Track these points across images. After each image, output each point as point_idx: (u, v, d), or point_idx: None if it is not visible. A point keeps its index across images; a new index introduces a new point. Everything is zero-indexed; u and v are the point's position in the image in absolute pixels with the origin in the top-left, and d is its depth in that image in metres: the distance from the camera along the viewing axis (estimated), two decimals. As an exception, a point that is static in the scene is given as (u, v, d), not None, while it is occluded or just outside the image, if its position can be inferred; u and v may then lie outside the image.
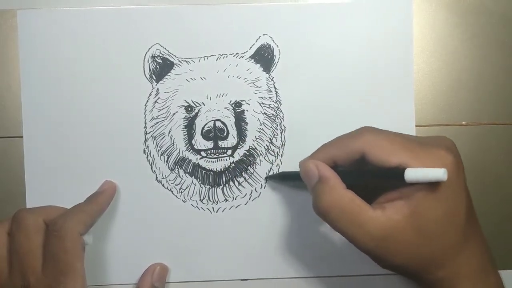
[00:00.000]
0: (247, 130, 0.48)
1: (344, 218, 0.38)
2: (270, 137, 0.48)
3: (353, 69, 0.48)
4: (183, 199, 0.48)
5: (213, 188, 0.48)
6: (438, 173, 0.35)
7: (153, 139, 0.48)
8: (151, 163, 0.48)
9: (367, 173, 0.39)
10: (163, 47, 0.47)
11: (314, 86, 0.48)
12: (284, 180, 0.47)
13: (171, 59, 0.48)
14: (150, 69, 0.48)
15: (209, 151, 0.47)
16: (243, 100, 0.48)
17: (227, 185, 0.48)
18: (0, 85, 0.48)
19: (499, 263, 0.49)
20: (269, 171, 0.48)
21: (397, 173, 0.36)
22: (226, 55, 0.48)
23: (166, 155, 0.48)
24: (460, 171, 0.38)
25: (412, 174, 0.36)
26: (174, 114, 0.48)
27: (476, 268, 0.39)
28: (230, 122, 0.47)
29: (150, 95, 0.48)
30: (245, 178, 0.48)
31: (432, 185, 0.36)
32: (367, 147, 0.38)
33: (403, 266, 0.39)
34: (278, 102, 0.48)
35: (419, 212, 0.37)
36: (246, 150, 0.48)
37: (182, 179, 0.48)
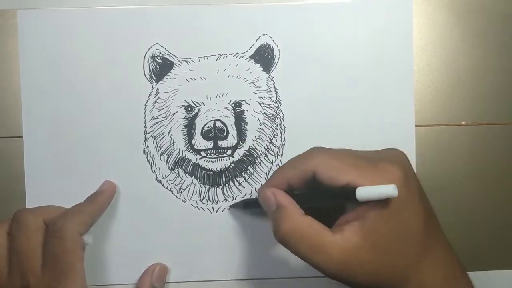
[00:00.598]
0: (247, 130, 0.48)
1: (304, 245, 0.38)
2: (270, 137, 0.48)
3: (353, 69, 0.48)
4: (183, 199, 0.48)
5: (213, 188, 0.48)
6: (388, 189, 0.35)
7: (153, 139, 0.48)
8: (151, 163, 0.48)
9: (320, 194, 0.39)
10: (163, 47, 0.48)
11: (314, 86, 0.48)
12: (247, 208, 0.47)
13: (171, 59, 0.48)
14: (150, 69, 0.48)
15: (209, 151, 0.48)
16: (243, 100, 0.48)
17: (227, 185, 0.48)
18: (0, 85, 0.48)
19: (499, 263, 0.49)
20: (269, 171, 0.48)
21: (348, 192, 0.36)
22: (226, 55, 0.48)
23: (166, 155, 0.48)
24: (410, 183, 0.38)
25: (363, 192, 0.36)
26: (174, 114, 0.48)
27: (442, 277, 0.39)
28: (230, 122, 0.47)
29: (150, 95, 0.48)
30: (245, 178, 0.48)
31: (384, 202, 0.36)
32: (317, 167, 0.38)
33: (367, 284, 0.38)
34: (278, 102, 0.48)
35: (373, 230, 0.37)
36: (246, 150, 0.48)
37: (182, 179, 0.48)
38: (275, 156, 0.48)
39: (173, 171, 0.48)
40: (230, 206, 0.48)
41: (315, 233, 0.37)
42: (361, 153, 0.40)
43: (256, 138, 0.48)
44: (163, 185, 0.48)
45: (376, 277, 0.38)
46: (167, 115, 0.48)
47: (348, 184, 0.37)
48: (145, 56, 0.48)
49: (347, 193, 0.37)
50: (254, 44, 0.48)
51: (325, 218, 0.39)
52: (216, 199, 0.48)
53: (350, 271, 0.37)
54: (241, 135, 0.48)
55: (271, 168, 0.48)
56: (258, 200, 0.42)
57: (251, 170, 0.48)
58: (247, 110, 0.48)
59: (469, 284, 0.41)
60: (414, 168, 0.48)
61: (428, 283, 0.39)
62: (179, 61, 0.48)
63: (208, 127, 0.47)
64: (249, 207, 0.47)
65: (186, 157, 0.48)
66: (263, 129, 0.48)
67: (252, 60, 0.48)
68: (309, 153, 0.40)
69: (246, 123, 0.48)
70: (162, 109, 0.48)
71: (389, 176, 0.37)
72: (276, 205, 0.40)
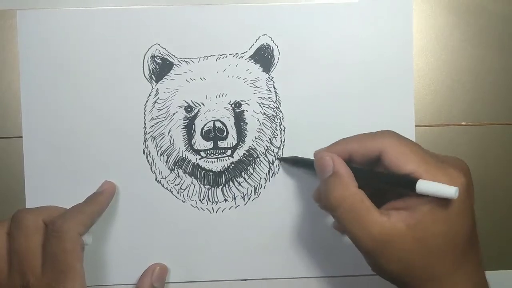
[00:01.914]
0: (247, 130, 0.48)
1: (350, 216, 0.38)
2: (269, 137, 0.48)
3: (352, 69, 0.48)
4: (183, 199, 0.48)
5: (213, 188, 0.48)
6: (450, 191, 0.35)
7: (152, 139, 0.48)
8: (151, 163, 0.48)
9: (380, 174, 0.39)
10: (162, 47, 0.47)
11: (314, 86, 0.48)
12: (296, 165, 0.47)
13: (171, 59, 0.48)
14: (149, 69, 0.48)
15: (208, 151, 0.47)
16: (242, 100, 0.48)
17: (226, 185, 0.48)
18: (0, 85, 0.48)
19: (499, 263, 0.49)
20: (268, 171, 0.48)
21: (409, 181, 0.37)
22: (225, 55, 0.48)
23: (166, 155, 0.48)
24: (470, 194, 0.39)
25: (424, 186, 0.36)
26: (173, 114, 0.48)
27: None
28: (230, 122, 0.47)
29: (149, 95, 0.48)
30: (244, 179, 0.48)
31: (440, 202, 0.37)
32: (387, 149, 0.39)
33: (397, 273, 0.39)
34: (277, 102, 0.48)
35: (423, 225, 0.37)
36: (246, 150, 0.48)
37: (181, 179, 0.48)
38: (275, 156, 0.48)
39: (172, 172, 0.48)
40: (279, 159, 0.48)
41: (365, 208, 0.38)
42: (430, 152, 0.40)
43: (255, 139, 0.48)
44: (162, 186, 0.48)
45: (407, 269, 0.38)
46: (167, 116, 0.48)
47: (411, 173, 0.37)
48: (144, 57, 0.48)
49: (407, 181, 0.37)
50: (254, 44, 0.48)
51: (374, 194, 0.39)
52: (216, 200, 0.48)
53: (385, 253, 0.38)
54: (241, 136, 0.48)
55: (270, 168, 0.48)
56: (314, 162, 0.42)
57: (251, 170, 0.48)
58: (247, 111, 0.48)
59: None
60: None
61: None
62: (179, 62, 0.48)
63: (208, 127, 0.47)
64: (298, 164, 0.47)
65: (186, 157, 0.48)
66: (262, 129, 0.48)
67: (252, 60, 0.48)
68: (381, 132, 0.40)
69: (246, 124, 0.48)
70: (162, 109, 0.48)
71: (454, 180, 0.37)
72: (333, 171, 0.40)
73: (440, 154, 0.41)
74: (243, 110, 0.48)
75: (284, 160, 0.48)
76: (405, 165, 0.38)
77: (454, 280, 0.39)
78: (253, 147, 0.48)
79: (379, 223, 0.37)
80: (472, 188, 0.39)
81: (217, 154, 0.48)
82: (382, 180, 0.39)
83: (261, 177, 0.48)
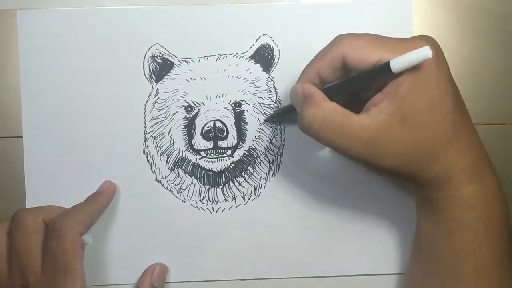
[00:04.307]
0: (247, 130, 0.48)
1: (328, 129, 0.38)
2: (269, 137, 0.48)
3: (353, 69, 0.48)
4: (183, 199, 0.48)
5: (213, 188, 0.48)
6: (424, 51, 0.35)
7: (153, 139, 0.48)
8: (151, 163, 0.48)
9: (353, 79, 0.39)
10: (163, 47, 0.48)
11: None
12: (281, 115, 0.47)
13: (171, 59, 0.48)
14: (150, 69, 0.48)
15: (208, 151, 0.47)
16: (243, 100, 0.48)
17: (226, 185, 0.48)
18: (0, 85, 0.48)
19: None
20: (268, 171, 0.48)
21: (382, 67, 0.36)
22: (226, 55, 0.48)
23: (166, 155, 0.48)
24: (441, 60, 0.38)
25: (398, 61, 0.35)
26: (174, 114, 0.48)
27: (470, 162, 0.39)
28: (230, 122, 0.47)
29: (150, 95, 0.48)
30: (244, 178, 0.48)
31: (415, 76, 0.36)
32: (345, 51, 0.38)
33: (395, 166, 0.38)
34: (278, 102, 0.48)
35: (404, 105, 0.37)
36: (246, 150, 0.48)
37: (182, 179, 0.48)
38: (275, 156, 0.48)
39: (173, 171, 0.48)
40: (265, 120, 0.48)
41: (340, 115, 0.37)
42: (389, 37, 0.39)
43: (256, 138, 0.48)
44: (163, 185, 0.48)
45: (403, 157, 0.38)
46: (167, 115, 0.48)
47: (379, 61, 0.37)
48: (145, 56, 0.48)
49: (380, 68, 0.36)
50: (254, 44, 0.48)
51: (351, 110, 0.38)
52: (216, 199, 0.48)
53: (377, 150, 0.37)
54: (241, 135, 0.48)
55: (270, 168, 0.48)
56: (290, 99, 0.41)
57: (251, 170, 0.48)
58: (247, 110, 0.48)
59: (495, 178, 0.40)
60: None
61: (456, 166, 0.38)
62: (179, 61, 0.48)
63: (208, 127, 0.47)
64: (283, 114, 0.46)
65: (186, 157, 0.48)
66: (263, 129, 0.48)
67: (252, 60, 0.48)
68: (336, 39, 0.40)
69: (246, 123, 0.48)
70: (162, 109, 0.48)
71: (421, 46, 0.36)
72: (302, 96, 0.39)
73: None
74: (243, 110, 0.48)
75: (268, 120, 0.48)
76: (370, 57, 0.37)
77: (451, 155, 0.38)
78: (253, 147, 0.48)
79: (359, 122, 0.37)
80: (442, 53, 0.39)
81: (217, 154, 0.48)
82: (358, 81, 0.38)
83: (261, 177, 0.48)
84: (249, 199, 0.48)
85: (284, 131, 0.48)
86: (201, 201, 0.48)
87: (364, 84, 0.39)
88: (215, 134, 0.47)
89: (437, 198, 0.40)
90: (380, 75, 0.37)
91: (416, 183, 0.40)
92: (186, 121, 0.48)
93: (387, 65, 0.35)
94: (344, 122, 0.37)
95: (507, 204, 0.41)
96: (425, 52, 0.35)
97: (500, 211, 0.40)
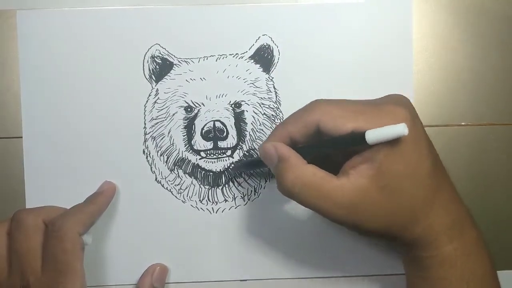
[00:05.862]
0: (247, 131, 0.48)
1: (309, 193, 0.38)
2: (269, 137, 0.48)
3: (352, 70, 0.48)
4: (183, 200, 0.48)
5: (213, 188, 0.48)
6: (398, 128, 0.35)
7: (152, 139, 0.48)
8: (151, 163, 0.48)
9: (327, 143, 0.39)
10: (162, 47, 0.47)
11: (314, 87, 0.48)
12: (249, 167, 0.47)
13: (171, 60, 0.48)
14: (149, 70, 0.48)
15: (208, 152, 0.47)
16: (242, 101, 0.48)
17: (226, 185, 0.48)
18: (0, 85, 0.48)
19: (499, 263, 0.49)
20: (269, 172, 0.48)
21: (357, 137, 0.36)
22: (225, 56, 0.48)
23: (166, 155, 0.48)
24: (417, 124, 0.38)
25: (373, 135, 0.35)
26: (173, 114, 0.48)
27: (450, 221, 0.39)
28: (230, 122, 0.47)
29: (149, 95, 0.48)
30: (244, 179, 0.48)
31: (393, 143, 0.36)
32: (321, 118, 0.38)
33: (378, 229, 0.39)
34: (277, 103, 0.48)
35: (382, 171, 0.37)
36: (246, 151, 0.48)
37: (181, 179, 0.48)
38: (275, 157, 0.48)
39: (172, 172, 0.48)
40: (231, 169, 0.48)
41: (319, 179, 0.37)
42: (363, 100, 0.40)
43: (256, 139, 0.48)
44: (162, 186, 0.48)
45: (385, 221, 0.38)
46: (167, 116, 0.48)
47: (354, 130, 0.37)
48: (144, 57, 0.48)
49: (355, 138, 0.36)
50: (253, 44, 0.48)
51: (330, 170, 0.38)
52: (216, 200, 0.48)
53: (358, 214, 0.38)
54: (241, 136, 0.48)
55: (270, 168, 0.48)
56: (259, 155, 0.41)
57: (251, 170, 0.48)
58: (247, 111, 0.48)
59: (478, 234, 0.41)
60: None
61: (437, 227, 0.39)
62: (179, 62, 0.48)
63: (208, 127, 0.47)
64: (251, 166, 0.46)
65: (186, 157, 0.48)
66: (262, 130, 0.48)
67: (252, 60, 0.48)
68: (311, 105, 0.40)
69: (246, 124, 0.48)
70: (162, 109, 0.48)
71: (396, 118, 0.37)
72: (277, 158, 0.39)
73: (376, 98, 0.40)
74: (243, 111, 0.48)
75: (234, 169, 0.48)
76: (344, 126, 0.37)
77: (431, 216, 0.39)
78: (253, 147, 0.48)
79: (339, 187, 0.37)
80: (418, 118, 0.39)
81: (217, 155, 0.48)
82: (332, 147, 0.39)
83: (261, 177, 0.48)
84: (249, 199, 0.48)
85: (284, 131, 0.48)
86: (201, 202, 0.48)
87: (339, 149, 0.39)
88: (215, 134, 0.47)
89: (420, 257, 0.40)
90: (355, 144, 0.37)
91: (399, 244, 0.41)
92: (186, 122, 0.48)
93: (362, 135, 0.36)
94: (324, 187, 0.37)
95: (492, 259, 0.41)
96: (401, 129, 0.35)
97: (484, 268, 0.40)
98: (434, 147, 0.40)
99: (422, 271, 0.41)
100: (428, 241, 0.39)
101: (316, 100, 0.40)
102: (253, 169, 0.47)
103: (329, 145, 0.39)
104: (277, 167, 0.39)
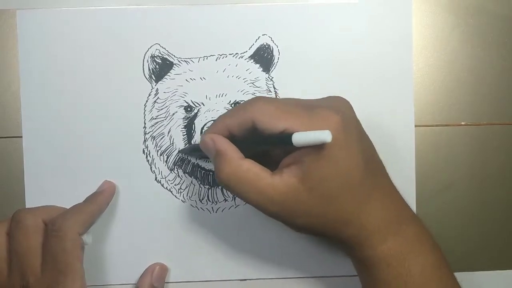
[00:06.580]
0: (247, 130, 0.48)
1: (244, 188, 0.38)
2: (269, 137, 0.48)
3: (352, 69, 0.48)
4: (183, 199, 0.48)
5: (213, 188, 0.48)
6: (322, 135, 0.35)
7: (152, 139, 0.48)
8: (151, 163, 0.48)
9: (259, 140, 0.39)
10: (162, 47, 0.48)
11: (313, 86, 0.48)
12: (194, 152, 0.47)
13: (171, 59, 0.48)
14: (149, 69, 0.48)
15: (208, 151, 0.47)
16: (242, 100, 0.48)
17: (226, 185, 0.48)
18: (0, 85, 0.48)
19: (499, 263, 0.49)
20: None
21: (285, 138, 0.37)
22: (225, 55, 0.48)
23: (166, 155, 0.48)
24: (348, 129, 0.38)
25: (299, 137, 0.36)
26: (173, 114, 0.48)
27: (384, 220, 0.39)
28: (230, 122, 0.47)
29: (149, 95, 0.48)
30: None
31: (320, 147, 0.37)
32: (255, 114, 0.39)
33: (312, 227, 0.39)
34: (277, 102, 0.48)
35: (310, 174, 0.37)
36: (246, 150, 0.48)
37: (181, 179, 0.48)
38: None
39: (172, 171, 0.48)
40: (179, 151, 0.48)
41: (253, 175, 0.38)
42: (301, 101, 0.40)
43: (255, 138, 0.48)
44: (162, 185, 0.48)
45: (315, 220, 0.39)
46: (167, 115, 0.48)
47: (285, 130, 0.37)
48: (144, 56, 0.48)
49: (284, 138, 0.37)
50: (253, 44, 0.48)
51: (271, 164, 0.39)
52: (216, 199, 0.48)
53: (289, 211, 0.38)
54: (241, 135, 0.48)
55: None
56: (200, 146, 0.42)
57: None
58: (247, 110, 0.48)
59: (417, 230, 0.41)
60: (413, 168, 0.48)
61: (370, 228, 0.39)
62: (179, 61, 0.48)
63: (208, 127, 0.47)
64: (196, 151, 0.46)
65: (186, 157, 0.48)
66: (262, 129, 0.48)
67: (252, 60, 0.48)
68: (250, 102, 0.40)
69: (246, 123, 0.48)
70: (162, 109, 0.48)
71: (326, 122, 0.37)
72: (215, 151, 0.40)
73: (316, 99, 0.41)
74: (243, 110, 0.48)
75: (183, 151, 0.48)
76: (276, 126, 0.38)
77: (363, 217, 0.39)
78: (253, 147, 0.48)
79: (271, 184, 0.38)
80: (353, 122, 0.39)
81: (217, 154, 0.48)
82: (263, 144, 0.40)
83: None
84: (248, 199, 0.48)
85: (284, 131, 0.48)
86: (200, 201, 0.48)
87: (271, 147, 0.40)
88: (214, 134, 0.47)
89: (358, 257, 0.41)
90: (284, 144, 0.37)
91: (338, 244, 0.41)
92: (186, 121, 0.48)
93: (290, 137, 0.36)
94: (258, 183, 0.38)
95: (438, 254, 0.41)
96: (324, 136, 0.35)
97: (423, 265, 0.40)
98: (371, 148, 0.41)
99: (364, 272, 0.41)
100: (360, 242, 0.40)
101: (257, 97, 0.41)
102: (200, 155, 0.47)
103: (262, 142, 0.40)
104: (214, 159, 0.40)
